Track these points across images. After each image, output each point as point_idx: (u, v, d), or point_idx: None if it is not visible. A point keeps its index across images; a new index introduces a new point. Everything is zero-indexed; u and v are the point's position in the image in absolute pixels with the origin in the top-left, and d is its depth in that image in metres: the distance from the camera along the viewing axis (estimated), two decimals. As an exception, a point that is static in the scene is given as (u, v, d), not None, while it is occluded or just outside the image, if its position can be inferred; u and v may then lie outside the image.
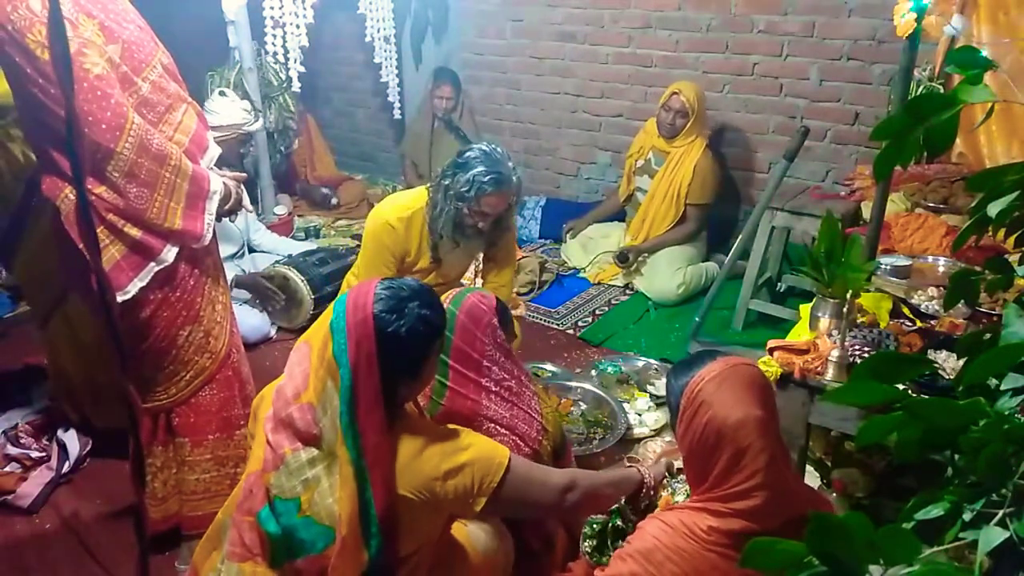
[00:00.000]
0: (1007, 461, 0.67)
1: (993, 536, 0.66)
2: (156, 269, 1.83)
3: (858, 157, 3.82)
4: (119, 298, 1.76)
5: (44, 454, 2.53)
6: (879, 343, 1.90)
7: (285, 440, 1.42)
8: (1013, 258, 1.32)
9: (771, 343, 1.97)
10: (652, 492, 1.79)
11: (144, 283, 1.82)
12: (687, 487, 1.69)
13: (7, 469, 2.47)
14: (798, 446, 1.95)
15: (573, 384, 2.91)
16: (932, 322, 2.06)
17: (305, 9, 4.26)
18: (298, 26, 4.29)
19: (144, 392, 1.98)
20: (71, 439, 2.58)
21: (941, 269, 2.42)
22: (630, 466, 1.90)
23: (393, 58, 5.06)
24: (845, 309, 1.86)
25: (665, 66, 4.30)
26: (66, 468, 2.51)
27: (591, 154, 4.81)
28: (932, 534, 0.71)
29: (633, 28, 4.35)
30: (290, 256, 3.72)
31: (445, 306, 1.63)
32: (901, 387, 1.33)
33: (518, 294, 3.63)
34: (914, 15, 1.84)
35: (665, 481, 1.84)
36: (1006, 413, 0.71)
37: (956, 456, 0.72)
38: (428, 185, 2.57)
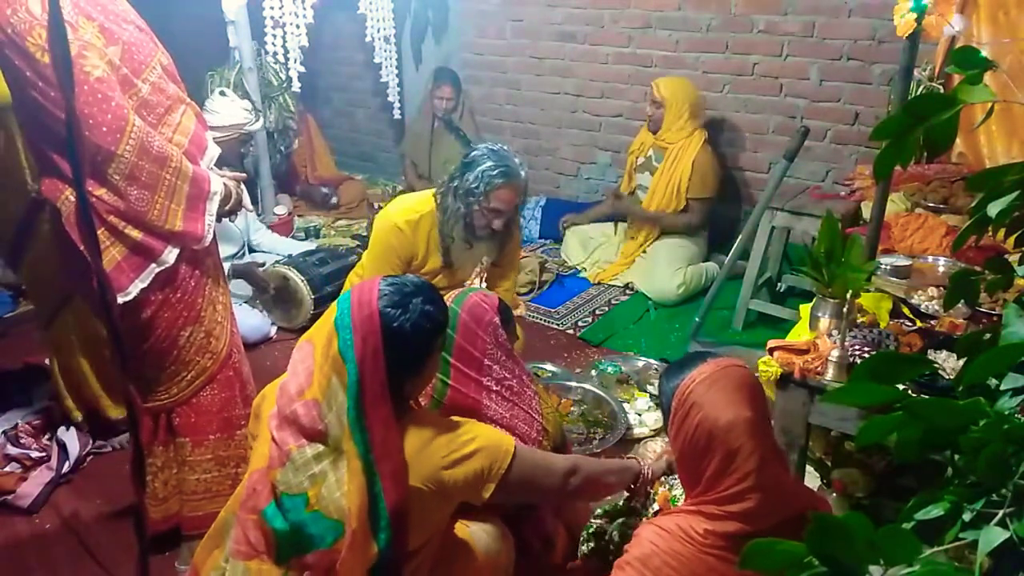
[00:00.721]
0: (1007, 461, 0.67)
1: (993, 536, 0.66)
2: (157, 270, 1.83)
3: (858, 157, 3.82)
4: (120, 299, 1.76)
5: (44, 454, 2.53)
6: (879, 343, 1.90)
7: (290, 437, 1.43)
8: (1013, 258, 1.32)
9: (771, 343, 1.97)
10: (649, 487, 1.81)
11: (145, 284, 1.82)
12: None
13: (7, 469, 2.47)
14: (798, 446, 1.95)
15: (573, 384, 2.91)
16: (932, 322, 2.06)
17: (305, 9, 4.26)
18: (298, 26, 4.29)
19: (145, 392, 1.98)
20: (71, 439, 2.58)
21: (941, 269, 2.42)
22: (631, 457, 1.91)
23: (393, 58, 5.06)
24: (845, 309, 1.86)
25: (665, 66, 4.30)
26: (66, 468, 2.51)
27: (591, 154, 4.81)
28: (932, 534, 0.71)
29: (633, 28, 4.35)
30: (290, 256, 3.72)
31: (448, 304, 1.65)
32: (901, 387, 1.34)
33: (518, 294, 3.63)
34: (914, 15, 1.84)
35: (664, 477, 1.85)
36: (1006, 413, 0.70)
37: (956, 456, 0.72)
38: (434, 191, 2.57)
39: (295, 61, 4.37)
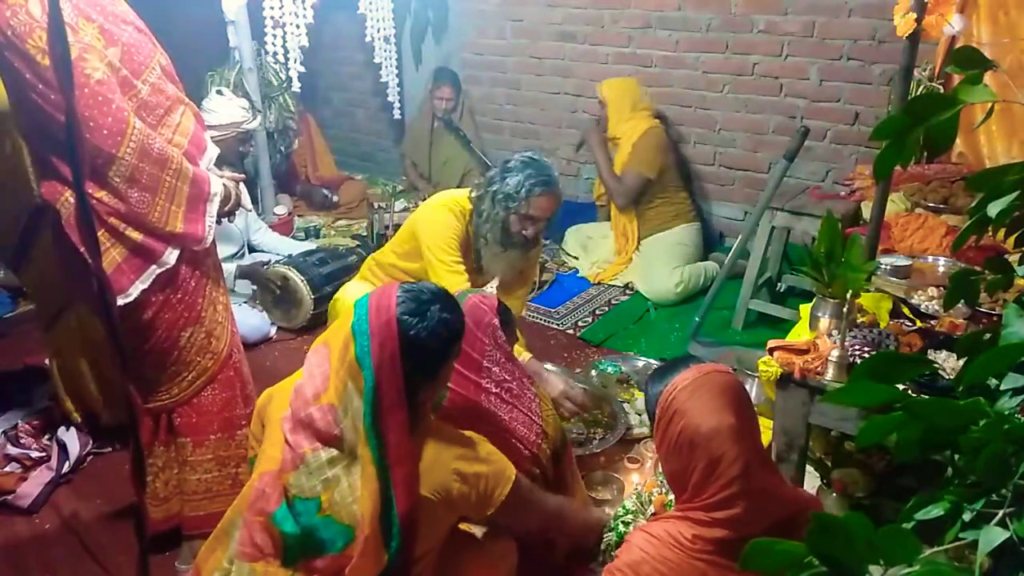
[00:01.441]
0: (1007, 461, 0.67)
1: (993, 536, 0.66)
2: (157, 272, 1.83)
3: (858, 157, 3.82)
4: (120, 301, 1.76)
5: (44, 454, 2.53)
6: (879, 343, 1.90)
7: (304, 440, 1.44)
8: (1013, 258, 1.32)
9: (771, 343, 1.97)
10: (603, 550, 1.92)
11: (145, 285, 1.82)
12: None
13: (7, 469, 2.47)
14: (798, 446, 1.95)
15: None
16: (932, 322, 2.06)
17: (305, 9, 4.26)
18: (298, 26, 4.29)
19: (146, 392, 1.98)
20: (71, 439, 2.58)
21: (941, 269, 2.42)
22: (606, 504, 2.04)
23: (393, 58, 5.06)
24: (845, 309, 1.86)
25: (665, 66, 4.30)
26: (66, 468, 2.51)
27: (591, 154, 4.80)
28: (932, 534, 0.71)
29: (633, 28, 4.35)
30: (290, 256, 3.72)
31: None
32: (901, 387, 1.34)
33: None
34: (914, 15, 1.84)
35: (660, 481, 1.85)
36: (1006, 413, 0.71)
37: (956, 456, 0.72)
38: (469, 193, 2.60)
39: (295, 61, 4.36)
